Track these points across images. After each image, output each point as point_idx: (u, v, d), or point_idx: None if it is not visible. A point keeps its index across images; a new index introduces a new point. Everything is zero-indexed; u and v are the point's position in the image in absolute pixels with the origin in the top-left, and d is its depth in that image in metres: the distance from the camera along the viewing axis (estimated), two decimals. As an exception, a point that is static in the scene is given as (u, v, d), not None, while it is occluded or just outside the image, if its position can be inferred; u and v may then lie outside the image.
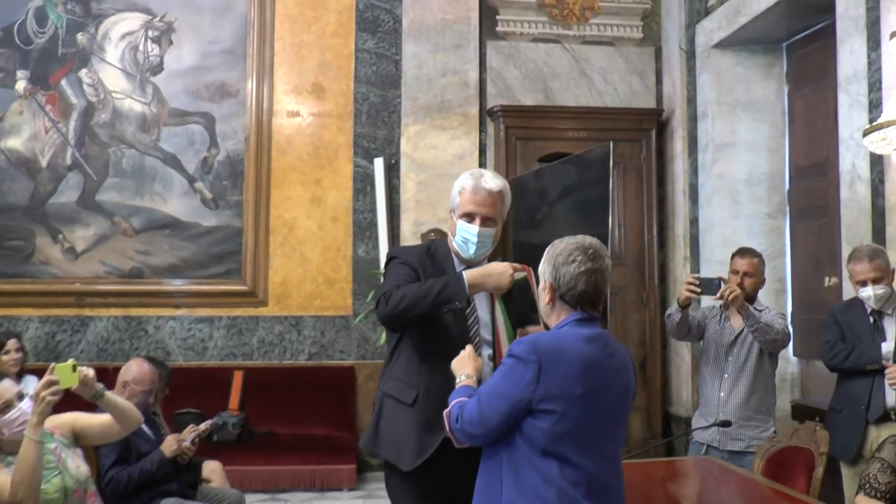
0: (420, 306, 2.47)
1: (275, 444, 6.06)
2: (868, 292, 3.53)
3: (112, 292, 6.34)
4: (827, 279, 5.09)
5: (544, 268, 2.21)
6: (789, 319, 5.50)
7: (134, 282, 6.37)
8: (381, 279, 5.91)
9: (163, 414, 4.79)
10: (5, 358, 4.56)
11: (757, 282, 4.00)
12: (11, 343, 4.63)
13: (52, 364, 2.72)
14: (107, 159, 6.40)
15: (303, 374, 6.42)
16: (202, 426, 3.95)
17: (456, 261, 2.68)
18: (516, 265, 2.54)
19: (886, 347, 3.49)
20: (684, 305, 3.93)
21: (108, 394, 2.87)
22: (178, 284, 6.42)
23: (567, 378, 2.04)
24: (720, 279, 3.88)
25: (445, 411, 2.19)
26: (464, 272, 2.53)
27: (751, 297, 3.95)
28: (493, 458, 2.13)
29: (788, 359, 5.48)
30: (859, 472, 3.47)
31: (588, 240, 2.20)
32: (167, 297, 6.39)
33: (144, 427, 3.85)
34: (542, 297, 2.22)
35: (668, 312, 4.11)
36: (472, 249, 2.62)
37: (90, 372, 2.77)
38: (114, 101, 6.42)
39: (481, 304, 2.63)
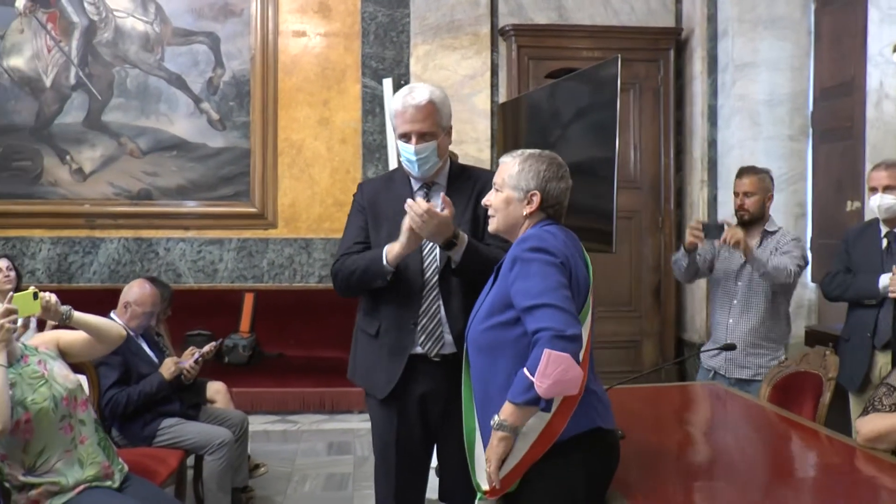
0: (354, 287, 2.59)
1: (285, 366, 6.09)
2: (877, 200, 3.39)
3: (121, 214, 6.33)
4: (849, 203, 4.94)
5: (527, 178, 2.21)
6: (808, 245, 5.37)
7: (143, 203, 6.35)
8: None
9: (171, 335, 4.80)
10: None
11: (760, 199, 3.79)
12: (1, 262, 4.61)
13: (11, 293, 2.76)
14: (111, 79, 6.30)
15: (313, 296, 6.40)
16: (205, 348, 3.93)
17: (413, 181, 2.64)
18: (425, 211, 2.36)
19: (882, 283, 3.37)
20: (690, 250, 3.82)
21: (77, 314, 2.87)
22: (187, 206, 6.38)
23: (577, 262, 2.14)
24: (724, 223, 3.75)
25: (524, 377, 1.98)
26: (385, 250, 2.48)
27: (758, 217, 3.80)
28: (492, 361, 2.13)
29: (806, 284, 5.36)
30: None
31: (556, 155, 2.28)
32: (176, 218, 6.37)
33: (146, 348, 3.86)
34: (516, 204, 2.22)
35: (674, 258, 4.00)
36: (416, 169, 2.57)
37: (52, 297, 2.78)
38: (115, 19, 6.28)
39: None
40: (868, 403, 2.64)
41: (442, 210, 2.40)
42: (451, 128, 2.64)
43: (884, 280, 3.37)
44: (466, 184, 2.64)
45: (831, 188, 5.17)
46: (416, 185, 2.65)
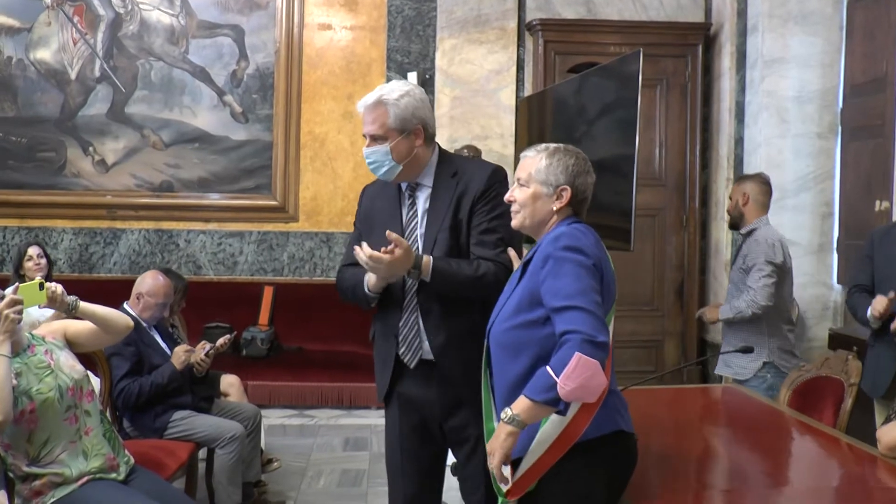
0: (350, 301, 2.62)
1: (303, 360, 6.07)
2: None
3: (143, 205, 6.37)
4: (878, 203, 4.81)
5: (556, 173, 2.15)
6: (835, 245, 5.25)
7: (164, 195, 6.37)
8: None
9: (189, 327, 4.81)
10: (29, 265, 4.60)
11: (733, 203, 4.04)
12: (33, 250, 4.65)
13: (17, 283, 2.74)
14: (135, 72, 6.33)
15: (333, 291, 6.24)
16: (218, 342, 3.91)
17: (402, 183, 2.57)
18: (368, 258, 2.33)
19: (870, 311, 3.28)
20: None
21: (84, 304, 2.86)
22: (208, 198, 6.40)
23: (606, 264, 2.12)
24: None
25: (547, 374, 1.94)
26: (366, 278, 2.47)
27: (737, 219, 4.03)
28: (517, 361, 2.08)
29: (832, 286, 5.25)
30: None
31: (578, 149, 2.24)
32: (197, 210, 6.39)
33: (159, 340, 3.85)
34: (545, 199, 2.16)
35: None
36: (374, 171, 2.51)
37: (58, 288, 2.77)
38: (141, 12, 6.32)
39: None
40: (891, 411, 2.55)
41: (391, 248, 2.32)
42: (419, 130, 2.48)
43: (870, 309, 3.28)
44: (449, 184, 2.52)
45: (860, 187, 5.04)
46: (404, 187, 2.59)
